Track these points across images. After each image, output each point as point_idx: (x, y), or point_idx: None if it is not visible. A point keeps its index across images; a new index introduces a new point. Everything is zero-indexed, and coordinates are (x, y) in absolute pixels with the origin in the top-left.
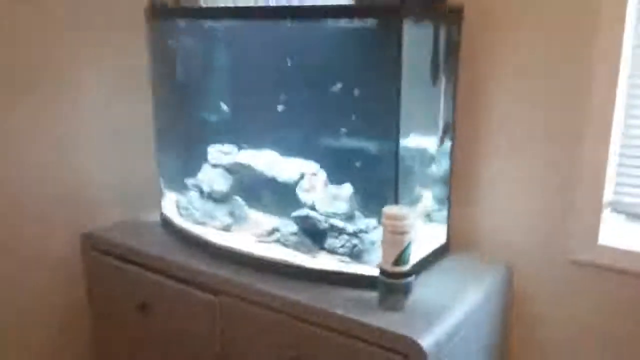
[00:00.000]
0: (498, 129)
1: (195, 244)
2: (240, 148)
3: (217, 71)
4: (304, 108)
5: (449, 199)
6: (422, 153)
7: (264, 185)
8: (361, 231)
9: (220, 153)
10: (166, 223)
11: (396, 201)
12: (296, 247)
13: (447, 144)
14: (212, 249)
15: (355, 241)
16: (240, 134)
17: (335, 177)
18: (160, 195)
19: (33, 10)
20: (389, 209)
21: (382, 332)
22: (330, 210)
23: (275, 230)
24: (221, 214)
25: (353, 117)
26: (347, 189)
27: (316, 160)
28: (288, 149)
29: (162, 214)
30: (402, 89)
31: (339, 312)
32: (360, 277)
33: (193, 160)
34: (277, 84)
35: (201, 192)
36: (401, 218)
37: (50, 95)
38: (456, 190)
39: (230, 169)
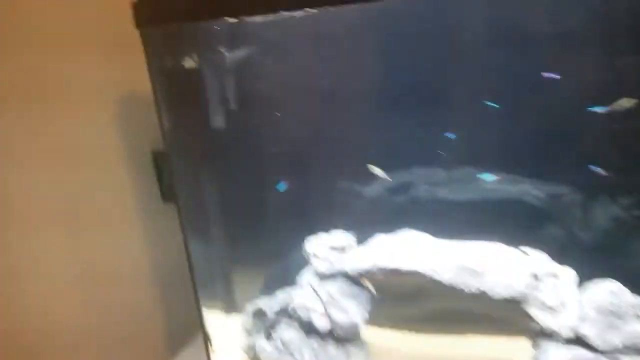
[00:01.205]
0: None
1: None
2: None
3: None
4: (511, 138)
5: None
6: None
7: (445, 305)
8: None
9: (329, 249)
10: None
11: None
12: None
13: None
14: None
15: None
16: (357, 207)
17: (590, 269)
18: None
19: None
20: None
21: None
22: (621, 342)
23: None
24: None
25: None
26: (619, 292)
27: (543, 245)
28: (467, 225)
29: None
30: None
31: None
32: None
33: (269, 263)
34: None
35: (303, 326)
36: None
37: None
38: None
39: (360, 280)
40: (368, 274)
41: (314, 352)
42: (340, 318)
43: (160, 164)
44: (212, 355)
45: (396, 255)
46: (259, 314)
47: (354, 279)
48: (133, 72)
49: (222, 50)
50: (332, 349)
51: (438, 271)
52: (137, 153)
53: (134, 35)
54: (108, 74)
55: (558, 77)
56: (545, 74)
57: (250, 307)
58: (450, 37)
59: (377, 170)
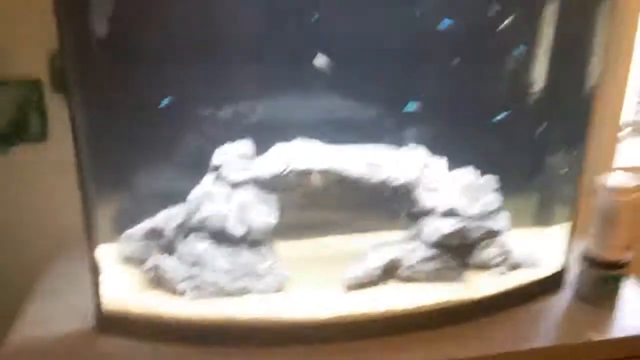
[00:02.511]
0: None
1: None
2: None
3: None
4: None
5: None
6: None
7: (347, 199)
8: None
9: (237, 158)
10: (124, 323)
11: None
12: (436, 277)
13: None
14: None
15: (508, 246)
16: (250, 115)
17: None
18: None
19: None
20: (623, 179)
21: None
22: (480, 209)
23: (394, 263)
24: (266, 266)
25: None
26: (474, 173)
27: (412, 140)
28: (349, 130)
29: (97, 299)
30: None
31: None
32: (536, 284)
33: (169, 174)
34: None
35: (215, 235)
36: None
37: None
38: None
39: (273, 183)
40: (281, 177)
41: (229, 259)
42: (255, 221)
43: None
44: (101, 288)
45: (304, 157)
46: (153, 234)
47: (264, 184)
48: None
49: None
50: (246, 253)
51: (345, 167)
52: None
53: None
54: None
55: None
56: None
57: (132, 232)
58: None
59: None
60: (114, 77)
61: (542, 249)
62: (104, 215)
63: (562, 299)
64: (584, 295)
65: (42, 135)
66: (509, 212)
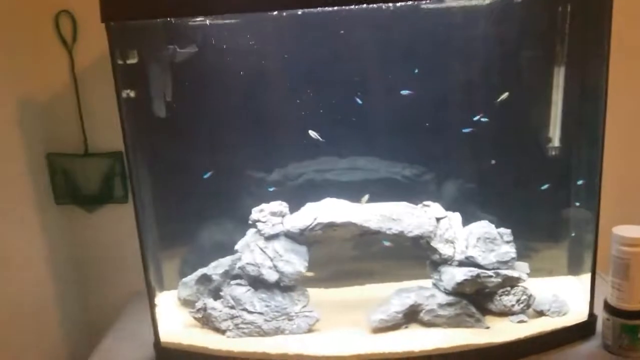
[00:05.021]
0: None
1: None
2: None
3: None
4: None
5: None
6: None
7: (367, 248)
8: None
9: (270, 215)
10: (178, 354)
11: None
12: (456, 322)
13: None
14: None
15: (529, 291)
16: (283, 181)
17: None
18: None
19: None
20: (634, 231)
21: None
22: (495, 259)
23: (414, 307)
24: (298, 308)
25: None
26: (490, 226)
27: (430, 198)
28: (370, 190)
29: (156, 335)
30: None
31: None
32: (562, 331)
33: (209, 234)
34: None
35: (251, 281)
36: None
37: None
38: None
39: (303, 236)
40: (308, 230)
41: (263, 302)
42: (286, 269)
43: (54, 165)
44: (159, 326)
45: (329, 213)
46: (203, 280)
47: (294, 237)
48: (29, 74)
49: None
50: (279, 297)
51: (367, 220)
52: (30, 154)
53: (27, 36)
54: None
55: None
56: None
57: (187, 279)
58: None
59: (314, 134)
60: (172, 152)
61: (572, 297)
62: (172, 267)
63: (590, 348)
64: (608, 344)
65: (124, 198)
66: (545, 262)
